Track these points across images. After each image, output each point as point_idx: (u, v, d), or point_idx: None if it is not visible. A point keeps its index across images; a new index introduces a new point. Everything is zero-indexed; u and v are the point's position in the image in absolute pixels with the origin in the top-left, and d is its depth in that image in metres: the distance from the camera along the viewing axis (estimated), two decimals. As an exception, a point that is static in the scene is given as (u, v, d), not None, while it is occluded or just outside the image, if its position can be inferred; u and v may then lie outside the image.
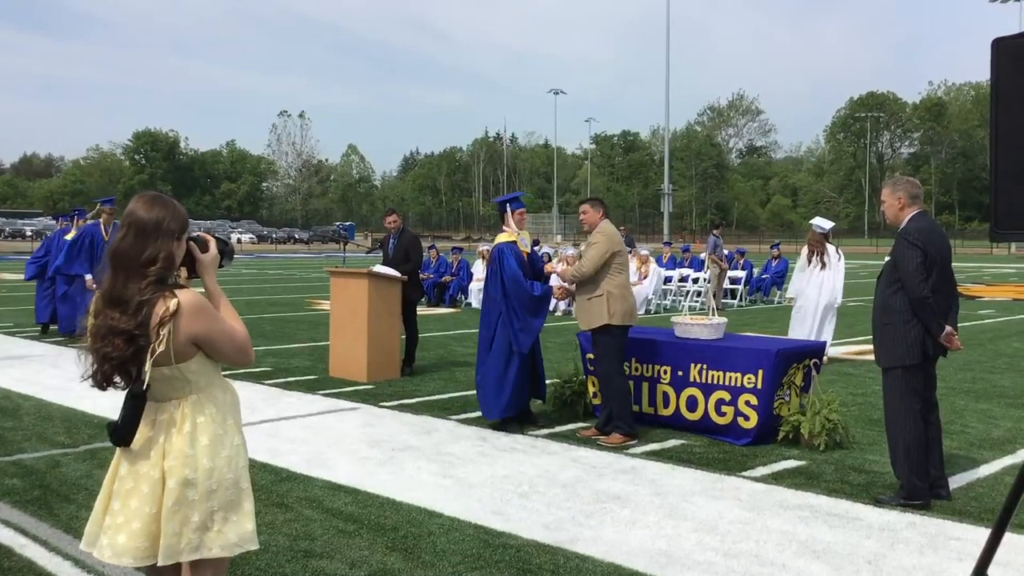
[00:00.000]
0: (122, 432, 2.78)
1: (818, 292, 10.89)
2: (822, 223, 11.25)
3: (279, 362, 11.05)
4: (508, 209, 7.80)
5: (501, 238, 7.77)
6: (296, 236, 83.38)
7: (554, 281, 8.01)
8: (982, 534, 4.51)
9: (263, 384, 9.44)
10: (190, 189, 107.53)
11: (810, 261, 11.02)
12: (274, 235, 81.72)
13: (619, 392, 7.11)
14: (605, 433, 7.14)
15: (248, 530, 2.90)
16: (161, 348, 2.72)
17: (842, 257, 11.26)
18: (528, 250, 7.78)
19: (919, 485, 5.43)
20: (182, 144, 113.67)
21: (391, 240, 10.64)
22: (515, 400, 7.42)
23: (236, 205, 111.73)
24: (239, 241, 74.67)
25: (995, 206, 3.15)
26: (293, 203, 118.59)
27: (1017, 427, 7.58)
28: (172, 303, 2.73)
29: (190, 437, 2.81)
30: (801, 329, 10.89)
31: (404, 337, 10.42)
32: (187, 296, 2.77)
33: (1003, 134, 3.11)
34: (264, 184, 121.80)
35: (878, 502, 5.52)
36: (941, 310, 5.40)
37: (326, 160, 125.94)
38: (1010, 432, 7.43)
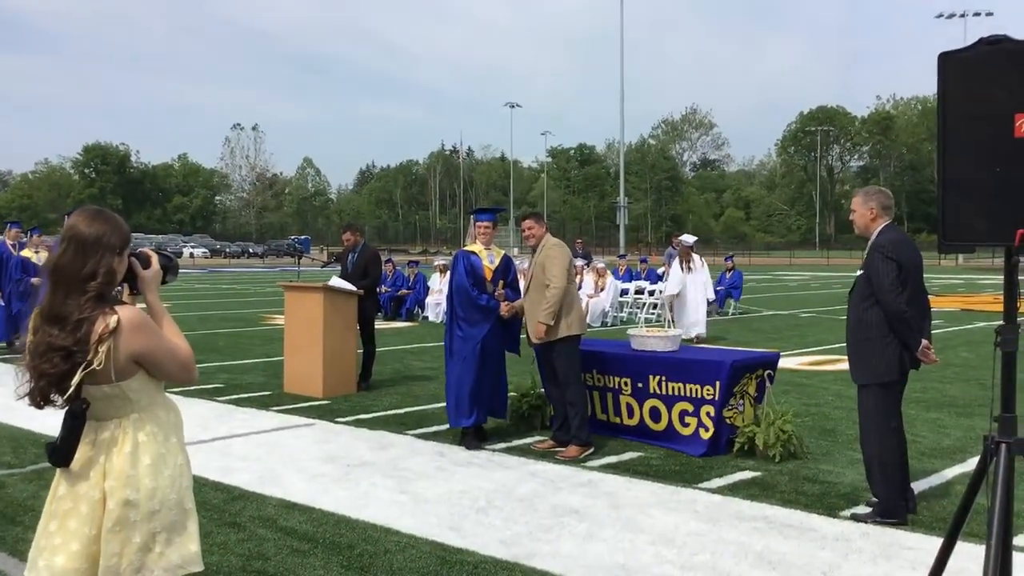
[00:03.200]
0: (61, 452, 2.71)
1: (693, 289, 14.89)
2: (688, 239, 15.66)
3: (232, 378, 10.89)
4: (472, 221, 7.81)
5: (467, 247, 7.78)
6: (250, 250, 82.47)
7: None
8: (935, 543, 4.56)
9: (215, 400, 9.29)
10: (141, 203, 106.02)
11: (682, 268, 15.00)
12: (227, 249, 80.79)
13: (581, 401, 7.13)
14: (563, 444, 7.13)
15: (192, 552, 2.85)
16: (100, 365, 2.65)
17: (704, 263, 15.52)
18: (492, 266, 7.58)
19: (896, 502, 5.40)
20: (133, 158, 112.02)
21: (350, 255, 10.54)
22: (470, 408, 7.33)
23: (188, 219, 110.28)
24: (191, 255, 73.73)
25: (943, 219, 3.21)
26: (247, 217, 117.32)
27: (967, 436, 7.71)
28: (112, 320, 2.67)
29: (131, 457, 2.76)
30: (683, 316, 14.61)
31: (361, 352, 10.33)
32: (127, 313, 2.72)
33: (950, 147, 3.17)
34: (217, 198, 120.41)
35: (855, 519, 5.47)
36: (916, 324, 5.38)
37: (281, 173, 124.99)
38: (960, 441, 7.54)
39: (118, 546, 2.72)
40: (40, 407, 2.75)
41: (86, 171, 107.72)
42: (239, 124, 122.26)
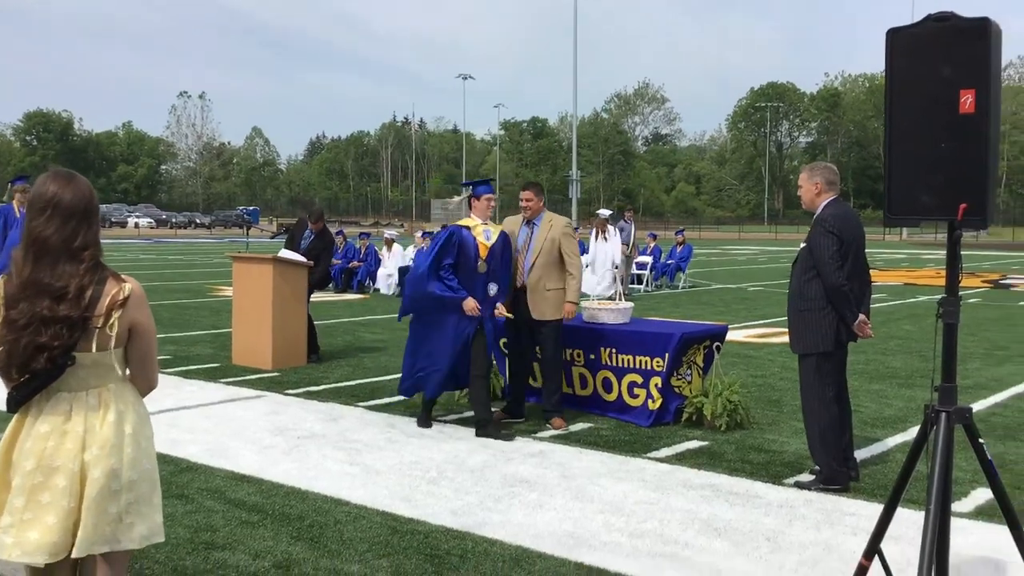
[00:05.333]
0: (22, 397, 2.69)
1: (604, 256, 16.59)
2: (604, 212, 17.67)
3: (179, 350, 10.74)
4: (472, 194, 7.12)
5: (462, 222, 7.06)
6: (197, 221, 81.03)
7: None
8: (876, 509, 4.69)
9: (162, 373, 9.13)
10: (84, 172, 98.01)
11: (596, 238, 16.72)
12: (174, 219, 79.28)
13: (561, 376, 7.27)
14: (515, 417, 7.20)
15: (158, 523, 2.86)
16: (112, 331, 2.69)
17: (617, 234, 17.22)
18: (488, 242, 6.92)
19: (837, 469, 5.52)
20: (76, 125, 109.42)
21: (307, 234, 10.32)
22: (416, 377, 7.12)
23: (133, 188, 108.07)
24: (136, 226, 72.34)
25: (889, 193, 3.26)
26: (194, 187, 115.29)
27: (908, 406, 7.90)
28: (126, 288, 2.73)
29: (115, 426, 2.74)
30: (594, 280, 15.95)
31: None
32: (134, 282, 2.79)
33: (896, 123, 3.21)
34: (163, 167, 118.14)
35: (799, 486, 5.59)
36: (856, 298, 5.47)
37: (228, 143, 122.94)
38: (901, 411, 7.73)
39: (96, 516, 2.69)
40: (14, 380, 2.69)
41: (27, 138, 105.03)
42: (186, 92, 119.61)
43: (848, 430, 5.73)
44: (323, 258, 10.21)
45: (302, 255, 10.06)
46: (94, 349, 2.70)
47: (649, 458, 6.22)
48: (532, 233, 7.14)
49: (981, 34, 3.01)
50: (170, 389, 8.31)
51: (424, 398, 7.14)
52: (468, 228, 6.97)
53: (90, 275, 2.68)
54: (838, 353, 5.60)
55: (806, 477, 5.73)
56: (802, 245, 5.72)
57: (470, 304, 6.79)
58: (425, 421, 7.10)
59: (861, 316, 5.51)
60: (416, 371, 7.15)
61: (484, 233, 6.96)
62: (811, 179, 5.65)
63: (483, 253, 6.92)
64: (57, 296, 2.62)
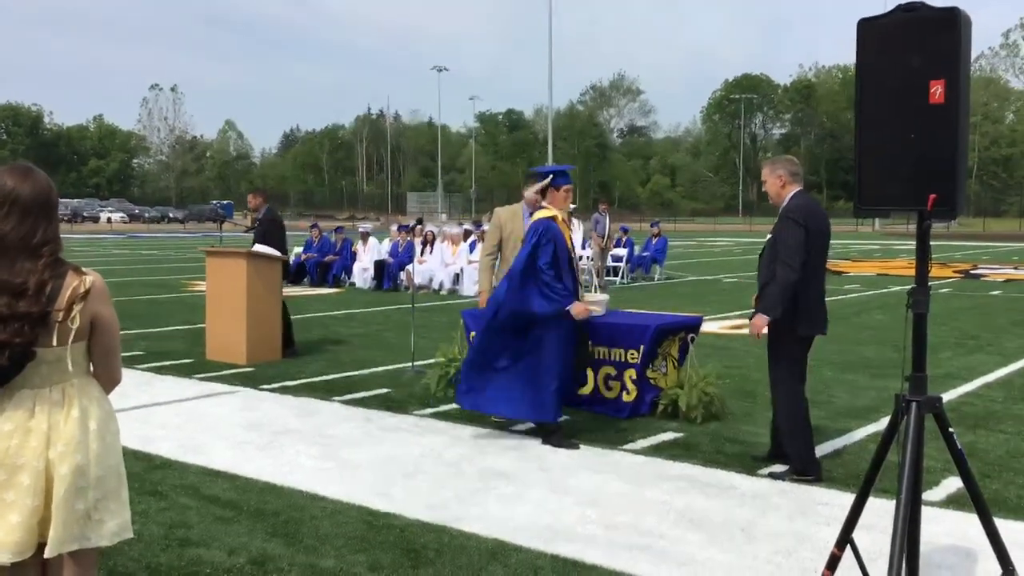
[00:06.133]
0: None
1: None
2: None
3: (152, 345, 10.64)
4: (551, 183, 6.49)
5: (542, 214, 6.42)
6: (170, 215, 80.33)
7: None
8: (848, 499, 4.71)
9: (135, 369, 9.07)
10: (55, 166, 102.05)
11: None
12: (147, 214, 78.56)
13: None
14: None
15: (126, 519, 2.83)
16: (75, 324, 2.65)
17: (581, 226, 18.25)
18: (573, 236, 6.40)
19: (810, 459, 5.58)
20: (46, 119, 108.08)
21: (256, 220, 10.40)
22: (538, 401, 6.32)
23: (105, 183, 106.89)
24: (109, 220, 71.60)
25: (859, 184, 3.28)
26: (167, 181, 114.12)
27: (881, 396, 7.97)
28: (88, 280, 2.69)
29: (80, 422, 2.71)
30: None
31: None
32: (95, 275, 2.75)
33: (866, 113, 3.23)
34: (135, 161, 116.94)
35: (772, 477, 5.63)
36: (787, 296, 5.41)
37: (201, 136, 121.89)
38: (874, 401, 7.80)
39: (66, 513, 2.66)
40: None
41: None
42: (157, 85, 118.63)
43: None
44: (268, 237, 10.14)
45: (255, 240, 10.06)
46: (55, 343, 2.66)
47: (625, 450, 6.24)
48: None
49: (950, 24, 3.02)
50: (143, 385, 8.25)
51: (554, 419, 6.41)
52: (557, 222, 6.35)
53: (50, 270, 2.64)
54: (803, 344, 5.65)
55: (780, 468, 5.77)
56: (768, 237, 5.76)
57: (580, 309, 6.26)
58: (572, 443, 6.35)
59: (765, 317, 5.47)
60: (539, 393, 6.30)
61: (569, 228, 6.51)
62: (774, 172, 5.70)
63: (574, 252, 6.51)
64: (16, 293, 2.59)
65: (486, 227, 19.13)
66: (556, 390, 6.29)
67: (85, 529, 2.71)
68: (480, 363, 6.39)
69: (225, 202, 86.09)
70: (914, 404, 3.23)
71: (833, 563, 3.50)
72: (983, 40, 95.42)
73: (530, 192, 6.99)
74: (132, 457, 5.87)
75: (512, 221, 7.11)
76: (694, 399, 6.92)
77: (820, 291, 5.62)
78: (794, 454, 5.62)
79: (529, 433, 6.66)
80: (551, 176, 6.52)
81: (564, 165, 6.66)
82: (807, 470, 5.55)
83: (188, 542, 4.48)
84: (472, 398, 6.47)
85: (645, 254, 22.05)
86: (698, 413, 6.91)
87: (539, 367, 6.26)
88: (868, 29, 3.21)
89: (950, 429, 3.33)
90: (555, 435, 6.38)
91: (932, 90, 3.03)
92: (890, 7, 3.23)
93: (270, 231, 10.19)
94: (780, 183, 5.66)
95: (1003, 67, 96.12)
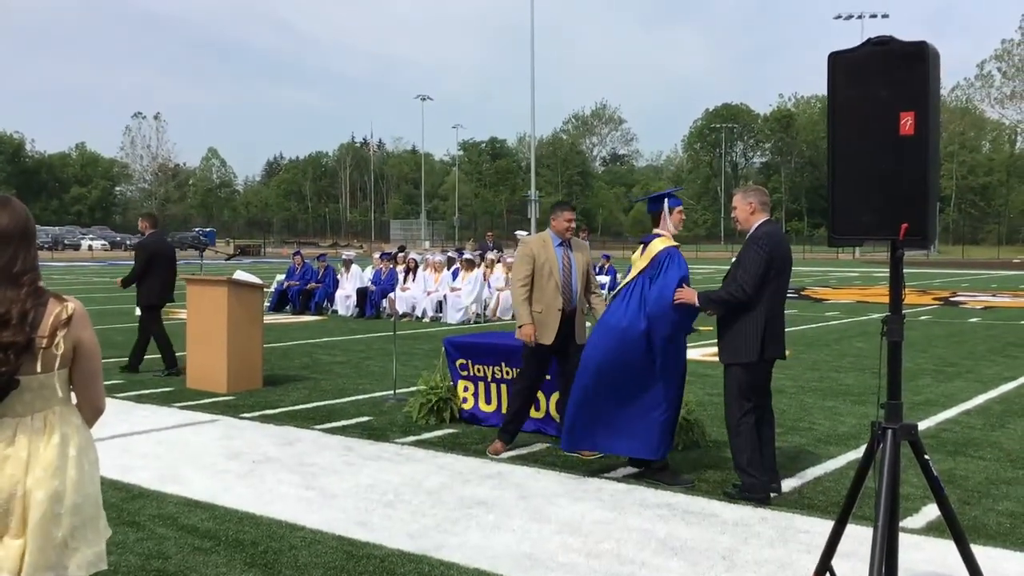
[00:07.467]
0: None
1: None
2: (521, 233, 19.44)
3: (131, 374, 10.56)
4: (666, 207, 6.26)
5: (664, 243, 6.13)
6: (152, 243, 79.81)
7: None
8: (829, 527, 4.73)
9: (114, 397, 9.00)
10: (37, 194, 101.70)
11: None
12: (128, 242, 78.12)
13: None
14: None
15: (102, 549, 2.82)
16: (59, 351, 2.66)
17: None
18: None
19: (756, 479, 5.66)
20: (28, 146, 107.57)
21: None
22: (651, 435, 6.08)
23: (87, 211, 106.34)
24: (90, 248, 71.18)
25: (833, 213, 3.33)
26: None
27: (861, 423, 8.01)
28: (69, 307, 2.70)
29: (59, 448, 2.70)
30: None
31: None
32: (76, 302, 2.76)
33: (839, 144, 3.28)
34: (117, 188, 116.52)
35: (726, 495, 5.76)
36: (778, 315, 5.69)
37: (184, 164, 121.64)
38: (854, 428, 7.83)
39: (42, 541, 2.64)
40: None
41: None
42: (140, 113, 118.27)
43: (770, 444, 5.88)
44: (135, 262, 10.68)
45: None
46: (39, 370, 2.66)
47: (606, 478, 6.23)
48: (571, 255, 6.98)
49: (919, 58, 3.09)
50: (122, 414, 8.17)
51: (664, 456, 6.17)
52: (677, 246, 6.20)
53: (32, 299, 2.66)
54: (762, 365, 5.75)
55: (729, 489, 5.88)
56: (732, 260, 5.95)
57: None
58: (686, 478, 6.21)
59: (696, 294, 5.80)
60: (649, 429, 6.06)
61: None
62: (745, 199, 5.90)
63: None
64: (0, 323, 2.59)
65: (468, 255, 19.25)
66: (666, 422, 6.06)
67: (62, 557, 2.69)
68: (585, 401, 6.12)
69: (208, 230, 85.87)
70: (890, 431, 3.26)
71: (812, 590, 3.51)
72: (959, 71, 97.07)
73: (560, 221, 7.00)
74: (110, 487, 5.81)
75: (544, 250, 6.97)
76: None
77: (782, 316, 5.80)
78: (743, 472, 5.73)
79: (511, 460, 6.65)
80: (664, 199, 6.32)
81: (670, 188, 6.52)
82: (752, 488, 5.67)
83: (165, 573, 4.43)
84: (577, 439, 6.22)
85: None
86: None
87: (649, 402, 6.04)
88: (839, 62, 3.27)
89: (926, 456, 3.36)
90: (666, 472, 6.18)
91: (902, 121, 3.09)
92: (865, 39, 3.30)
93: (136, 255, 10.62)
94: (750, 209, 5.86)
95: (978, 97, 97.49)
